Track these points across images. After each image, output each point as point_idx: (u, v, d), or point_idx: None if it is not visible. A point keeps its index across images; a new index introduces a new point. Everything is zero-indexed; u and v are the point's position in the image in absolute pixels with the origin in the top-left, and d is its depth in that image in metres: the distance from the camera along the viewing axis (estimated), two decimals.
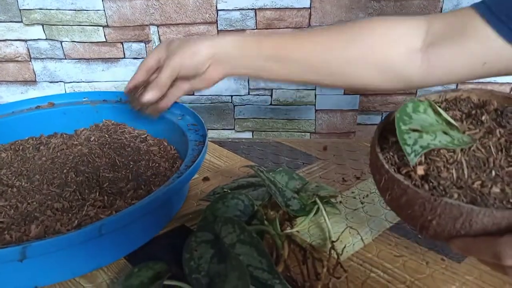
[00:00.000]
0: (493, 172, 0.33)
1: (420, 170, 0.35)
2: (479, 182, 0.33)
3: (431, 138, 0.36)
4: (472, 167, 0.34)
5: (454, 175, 0.34)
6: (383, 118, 0.97)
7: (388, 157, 0.37)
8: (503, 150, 0.35)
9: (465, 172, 0.34)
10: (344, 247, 0.45)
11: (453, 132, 0.37)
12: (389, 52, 0.50)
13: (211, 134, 1.06)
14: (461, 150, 0.35)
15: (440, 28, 0.49)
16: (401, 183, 0.34)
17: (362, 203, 0.54)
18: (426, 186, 0.33)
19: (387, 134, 0.41)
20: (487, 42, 0.45)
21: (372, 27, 0.51)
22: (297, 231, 0.48)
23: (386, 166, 0.36)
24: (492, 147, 0.35)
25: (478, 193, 0.32)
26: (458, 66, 0.48)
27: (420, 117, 0.38)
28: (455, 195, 0.32)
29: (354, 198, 0.55)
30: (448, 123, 0.38)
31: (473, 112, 0.41)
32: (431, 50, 0.49)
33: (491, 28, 0.45)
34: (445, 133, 0.37)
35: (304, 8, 0.89)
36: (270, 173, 0.52)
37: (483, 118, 0.39)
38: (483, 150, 0.36)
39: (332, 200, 0.53)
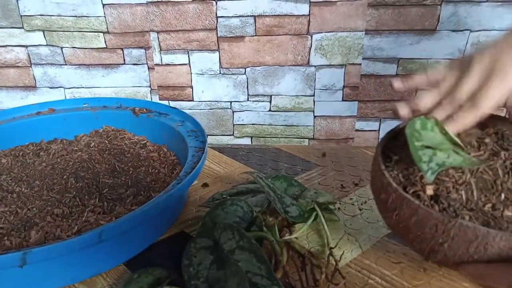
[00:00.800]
0: (503, 195, 0.33)
1: (430, 190, 0.34)
2: (489, 205, 0.32)
3: (445, 156, 0.35)
4: (481, 189, 0.34)
5: (464, 197, 0.33)
6: (379, 124, 0.98)
7: (393, 175, 0.36)
8: (510, 173, 0.34)
9: (475, 193, 0.33)
10: (343, 253, 0.45)
11: (461, 152, 0.37)
12: None
13: (210, 140, 1.06)
14: (469, 171, 0.35)
15: None
16: (412, 202, 0.32)
17: (360, 209, 0.54)
18: (436, 207, 0.32)
19: (388, 152, 0.40)
20: None
21: None
22: (296, 238, 0.48)
23: (394, 184, 0.34)
24: (499, 170, 0.35)
25: (490, 216, 0.31)
26: None
27: (429, 135, 0.37)
28: (467, 217, 0.31)
29: (353, 204, 0.56)
30: (454, 143, 0.37)
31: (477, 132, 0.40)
32: None
33: None
34: (456, 152, 0.36)
35: (303, 15, 0.90)
36: (269, 180, 0.52)
37: (486, 140, 0.38)
38: (490, 172, 0.35)
39: (331, 206, 0.53)
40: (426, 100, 0.42)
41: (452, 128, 0.38)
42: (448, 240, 0.31)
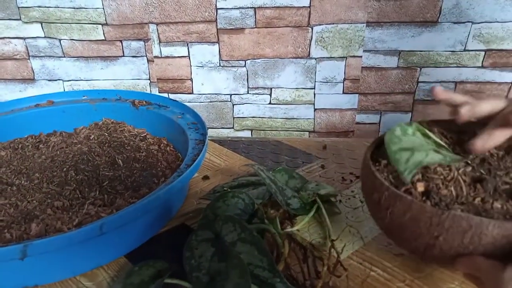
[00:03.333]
0: (491, 190, 0.34)
1: (421, 187, 0.35)
2: (479, 199, 0.33)
3: (423, 156, 0.36)
4: (469, 185, 0.35)
5: (454, 192, 0.34)
6: (380, 117, 0.98)
7: (383, 177, 0.37)
8: (492, 170, 0.36)
9: (464, 189, 0.34)
10: (344, 245, 0.45)
11: (444, 151, 0.38)
12: None
13: (210, 133, 1.06)
14: (456, 168, 0.36)
15: None
16: (405, 198, 0.33)
17: (361, 202, 0.54)
18: (429, 203, 0.33)
19: (377, 157, 0.41)
20: None
21: None
22: (298, 230, 0.48)
23: (386, 183, 0.35)
24: (483, 167, 0.36)
25: (481, 208, 0.32)
26: None
27: (410, 139, 0.38)
28: (459, 210, 0.32)
29: (354, 197, 0.55)
30: (437, 144, 0.39)
31: (456, 137, 0.42)
32: None
33: None
34: (436, 151, 0.37)
35: (303, 7, 0.89)
36: (270, 172, 0.52)
37: (465, 138, 0.40)
38: (476, 169, 0.36)
39: (332, 199, 0.53)
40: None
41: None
42: (443, 232, 0.31)
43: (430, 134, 0.39)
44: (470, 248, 0.31)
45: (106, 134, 0.63)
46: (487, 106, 0.41)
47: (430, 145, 0.39)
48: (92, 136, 0.63)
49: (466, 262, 0.31)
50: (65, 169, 0.54)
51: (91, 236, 0.38)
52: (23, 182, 0.51)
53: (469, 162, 0.37)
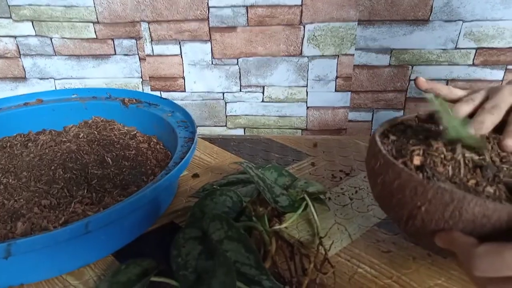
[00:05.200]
0: (490, 177, 0.33)
1: (417, 161, 0.35)
2: (473, 181, 0.33)
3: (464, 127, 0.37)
4: (470, 169, 0.35)
5: (450, 172, 0.34)
6: (372, 115, 0.98)
7: (386, 149, 0.38)
8: (502, 161, 0.35)
9: (462, 171, 0.34)
10: (332, 243, 0.45)
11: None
12: None
13: (203, 131, 1.06)
14: (462, 152, 0.36)
15: None
16: (396, 166, 0.34)
17: (351, 199, 0.54)
18: (421, 175, 0.34)
19: (387, 133, 0.42)
20: None
21: None
22: (286, 227, 0.48)
23: (384, 151, 0.36)
24: (493, 157, 0.36)
25: (472, 190, 0.32)
26: None
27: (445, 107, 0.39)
28: (440, 182, 0.32)
29: (343, 194, 0.55)
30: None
31: None
32: None
33: None
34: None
35: (295, 5, 0.89)
36: (260, 170, 0.52)
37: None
38: (485, 156, 0.36)
39: (321, 196, 0.53)
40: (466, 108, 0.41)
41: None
42: (425, 203, 0.32)
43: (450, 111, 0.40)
44: (450, 223, 0.31)
45: (96, 132, 0.63)
46: (462, 92, 0.43)
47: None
48: (82, 134, 0.62)
49: (443, 237, 0.32)
50: (53, 167, 0.53)
51: (76, 235, 0.38)
52: (10, 180, 0.51)
53: (481, 147, 0.37)
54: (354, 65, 0.94)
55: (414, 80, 0.45)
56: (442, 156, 0.36)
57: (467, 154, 0.36)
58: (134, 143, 0.61)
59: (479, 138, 0.37)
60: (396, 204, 0.35)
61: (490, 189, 0.32)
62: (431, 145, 0.37)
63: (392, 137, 0.41)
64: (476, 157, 0.35)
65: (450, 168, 0.34)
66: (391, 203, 0.36)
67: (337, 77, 0.96)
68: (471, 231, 0.31)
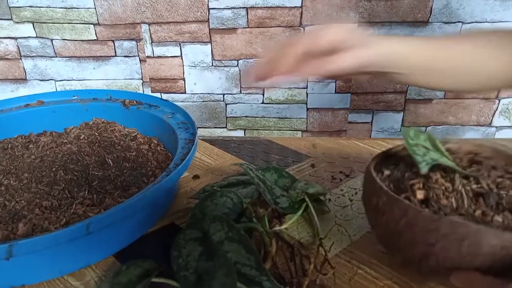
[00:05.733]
0: (493, 205, 0.33)
1: (420, 195, 0.34)
2: (479, 211, 0.32)
3: (438, 156, 0.36)
4: (471, 199, 0.34)
5: (454, 204, 0.33)
6: (372, 116, 0.98)
7: (385, 184, 0.37)
8: (499, 187, 0.35)
9: (465, 201, 0.33)
10: (332, 244, 0.45)
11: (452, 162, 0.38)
12: None
13: (203, 132, 1.06)
14: (461, 182, 0.35)
15: None
16: (402, 203, 0.32)
17: (351, 200, 0.54)
18: (427, 210, 0.32)
19: (381, 168, 0.41)
20: None
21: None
22: (286, 229, 0.48)
23: (385, 188, 0.35)
24: (490, 184, 0.35)
25: (481, 220, 0.31)
26: None
27: (422, 142, 0.38)
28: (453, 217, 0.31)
29: (343, 195, 0.56)
30: (446, 156, 0.39)
31: (466, 156, 0.42)
32: None
33: None
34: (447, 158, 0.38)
35: (295, 7, 0.89)
36: (260, 171, 0.52)
37: (478, 159, 0.40)
38: (482, 184, 0.35)
39: (321, 197, 0.53)
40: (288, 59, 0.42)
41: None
42: (439, 239, 0.30)
43: (440, 145, 0.39)
44: (467, 259, 0.29)
45: (97, 134, 0.63)
46: (326, 37, 0.41)
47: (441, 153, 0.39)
48: (82, 136, 0.62)
49: (461, 277, 0.30)
50: (54, 169, 0.54)
51: (77, 236, 0.38)
52: (11, 182, 0.51)
53: (477, 176, 0.36)
54: None
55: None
56: (443, 187, 0.35)
57: (466, 183, 0.35)
58: (134, 145, 0.61)
59: (451, 158, 0.37)
60: (405, 244, 0.33)
61: (498, 218, 0.31)
62: (430, 177, 0.36)
63: (386, 172, 0.40)
64: (474, 186, 0.35)
65: (453, 199, 0.33)
66: (399, 243, 0.34)
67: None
68: (490, 265, 0.29)
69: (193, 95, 1.03)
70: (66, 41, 0.97)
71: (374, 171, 0.39)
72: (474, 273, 0.29)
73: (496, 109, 0.95)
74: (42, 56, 0.99)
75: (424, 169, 0.34)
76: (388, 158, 0.44)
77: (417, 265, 0.33)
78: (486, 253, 0.28)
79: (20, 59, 0.99)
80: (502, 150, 0.42)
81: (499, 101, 0.94)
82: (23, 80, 1.04)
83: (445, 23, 0.87)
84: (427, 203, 0.34)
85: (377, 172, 0.40)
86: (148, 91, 1.01)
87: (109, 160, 0.56)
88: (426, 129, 0.99)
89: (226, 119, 1.05)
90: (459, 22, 0.87)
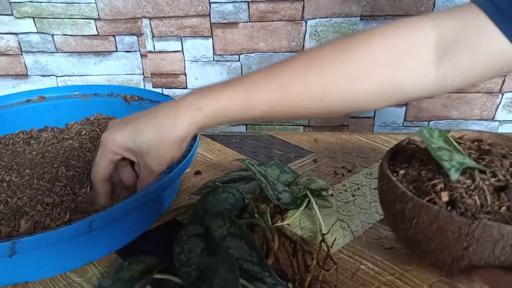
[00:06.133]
0: None
1: (445, 197, 0.34)
2: (504, 207, 0.32)
3: (462, 157, 0.35)
4: (493, 194, 0.34)
5: (478, 202, 0.33)
6: (374, 111, 0.97)
7: (405, 187, 0.36)
8: (511, 177, 0.35)
9: (488, 198, 0.33)
10: (335, 239, 0.45)
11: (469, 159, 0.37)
12: (398, 75, 0.41)
13: None
14: (480, 177, 0.35)
15: (451, 32, 0.40)
16: (431, 208, 0.32)
17: (353, 195, 0.54)
18: (455, 212, 0.32)
19: (394, 167, 0.40)
20: (501, 46, 0.39)
21: (372, 50, 0.41)
22: (288, 224, 0.48)
23: (409, 193, 0.34)
24: (506, 175, 0.35)
25: (508, 217, 0.31)
26: (474, 74, 0.41)
27: (439, 142, 0.38)
28: (486, 220, 0.31)
29: (346, 191, 0.55)
30: (459, 151, 0.38)
31: (472, 145, 0.41)
32: (446, 63, 0.40)
33: (498, 29, 0.38)
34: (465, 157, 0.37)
35: (297, 0, 0.88)
36: (262, 167, 0.52)
37: (485, 149, 0.40)
38: (499, 177, 0.35)
39: (324, 193, 0.53)
40: None
41: None
42: (473, 243, 0.30)
43: (453, 140, 0.38)
44: (501, 259, 0.30)
45: (98, 130, 0.63)
46: None
47: (458, 151, 0.38)
48: (84, 131, 0.62)
49: (483, 274, 0.30)
50: (56, 165, 0.54)
51: (80, 233, 0.38)
52: (13, 178, 0.51)
53: (495, 171, 0.36)
54: None
55: None
56: (465, 186, 0.34)
57: (485, 179, 0.35)
58: None
59: (465, 153, 0.37)
60: (436, 248, 0.33)
61: None
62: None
63: (401, 171, 0.39)
64: (492, 180, 0.35)
65: (476, 197, 0.33)
66: (428, 248, 0.34)
67: None
68: None
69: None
70: (67, 36, 0.96)
71: (390, 173, 0.38)
72: (496, 269, 0.30)
73: (499, 103, 0.94)
74: (43, 52, 0.99)
75: (454, 176, 0.33)
76: (397, 155, 0.43)
77: (448, 266, 0.34)
78: None
79: (21, 54, 0.99)
80: (500, 134, 0.42)
81: (503, 95, 0.94)
82: (24, 75, 1.04)
83: None
84: (453, 204, 0.33)
85: (392, 172, 0.39)
86: (149, 86, 1.01)
87: None
88: (428, 124, 0.98)
89: None
90: None
